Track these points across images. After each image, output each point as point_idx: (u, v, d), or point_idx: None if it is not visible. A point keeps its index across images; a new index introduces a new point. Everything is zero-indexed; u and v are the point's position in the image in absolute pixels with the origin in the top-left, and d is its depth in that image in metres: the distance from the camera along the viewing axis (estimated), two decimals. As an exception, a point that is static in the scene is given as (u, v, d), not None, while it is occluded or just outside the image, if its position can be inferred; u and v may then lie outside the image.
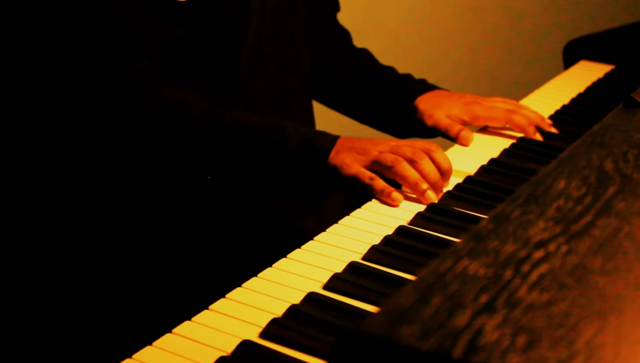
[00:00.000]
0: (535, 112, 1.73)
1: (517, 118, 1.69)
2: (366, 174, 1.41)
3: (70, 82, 1.43)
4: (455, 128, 1.67)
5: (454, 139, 1.67)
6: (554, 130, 1.73)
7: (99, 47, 1.40)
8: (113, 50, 1.40)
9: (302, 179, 1.44)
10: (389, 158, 1.41)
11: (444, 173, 1.43)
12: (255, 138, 1.42)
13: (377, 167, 1.42)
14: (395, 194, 1.39)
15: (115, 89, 1.40)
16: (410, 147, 1.43)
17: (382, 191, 1.40)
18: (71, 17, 1.39)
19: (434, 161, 1.42)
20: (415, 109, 1.71)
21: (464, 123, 1.70)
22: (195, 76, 1.47)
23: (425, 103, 1.72)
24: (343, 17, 1.91)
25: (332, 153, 1.42)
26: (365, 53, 1.86)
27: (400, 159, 1.41)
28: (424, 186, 1.40)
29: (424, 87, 1.77)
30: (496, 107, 1.71)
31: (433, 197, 1.41)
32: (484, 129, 1.74)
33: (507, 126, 1.71)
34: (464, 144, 1.65)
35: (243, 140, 1.42)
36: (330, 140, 1.44)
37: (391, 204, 1.39)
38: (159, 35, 1.42)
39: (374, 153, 1.42)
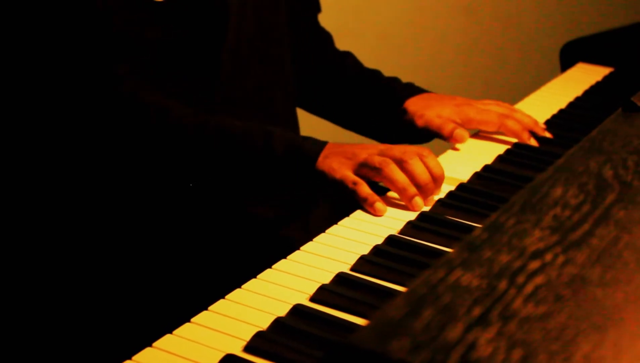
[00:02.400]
0: (529, 117, 1.73)
1: (511, 123, 1.69)
2: (350, 179, 1.40)
3: (49, 87, 1.43)
4: (448, 126, 1.66)
5: (447, 139, 1.66)
6: (548, 135, 1.74)
7: (77, 51, 1.39)
8: (91, 54, 1.40)
9: (289, 185, 1.44)
10: (376, 160, 1.41)
11: (436, 179, 1.43)
12: (240, 143, 1.42)
13: (365, 170, 1.41)
14: (379, 205, 1.39)
15: (94, 95, 1.40)
16: (400, 147, 1.43)
17: (365, 199, 1.39)
18: (49, 21, 1.39)
19: (426, 167, 1.42)
20: (404, 112, 1.71)
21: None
22: (175, 79, 1.47)
23: (415, 105, 1.71)
24: (331, 17, 1.91)
25: (320, 158, 1.42)
26: (349, 56, 1.86)
27: (389, 161, 1.40)
28: (412, 191, 1.40)
29: (413, 90, 1.77)
30: (489, 110, 1.71)
31: (421, 204, 1.41)
32: (477, 134, 1.74)
33: (501, 131, 1.71)
34: (459, 141, 1.65)
35: (227, 146, 1.42)
36: (318, 145, 1.44)
37: (374, 214, 1.39)
38: (137, 38, 1.41)
39: (362, 155, 1.42)
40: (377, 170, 1.40)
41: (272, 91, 1.62)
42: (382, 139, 1.79)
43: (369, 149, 1.44)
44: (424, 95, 1.75)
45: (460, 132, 1.65)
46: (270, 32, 1.62)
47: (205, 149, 1.41)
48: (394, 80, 1.80)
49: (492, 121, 1.70)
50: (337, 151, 1.43)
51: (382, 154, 1.42)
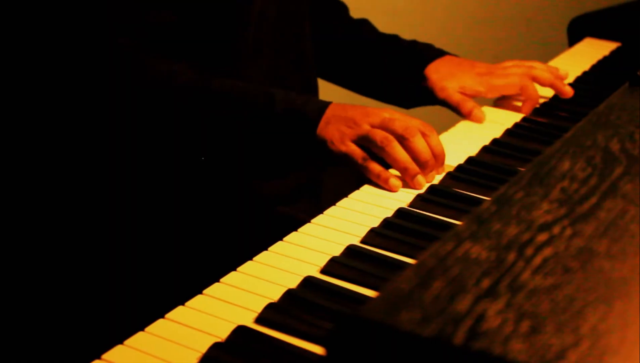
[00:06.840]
0: (548, 71, 1.75)
1: (530, 87, 1.72)
2: (359, 155, 1.38)
3: (49, 61, 1.41)
4: (467, 106, 1.67)
5: (464, 116, 1.67)
6: (568, 89, 1.76)
7: (78, 21, 1.37)
8: (92, 26, 1.37)
9: (290, 150, 1.41)
10: (378, 136, 1.37)
11: (437, 157, 1.41)
12: (242, 103, 1.39)
13: (366, 143, 1.38)
14: (393, 181, 1.38)
15: (94, 63, 1.38)
16: (402, 122, 1.39)
17: (378, 176, 1.38)
18: None
19: (427, 145, 1.40)
20: (424, 78, 1.70)
21: (479, 94, 1.70)
22: (196, 60, 1.45)
23: (436, 73, 1.70)
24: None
25: (322, 124, 1.39)
26: (365, 23, 1.84)
27: (391, 138, 1.37)
28: (414, 169, 1.38)
29: (433, 53, 1.75)
30: (510, 74, 1.72)
31: (423, 182, 1.39)
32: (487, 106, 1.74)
33: (520, 93, 1.74)
34: (477, 121, 1.67)
35: (229, 106, 1.39)
36: (318, 108, 1.40)
37: (389, 190, 1.38)
38: (149, 18, 1.39)
39: (364, 127, 1.38)
40: (379, 147, 1.38)
41: (291, 73, 1.61)
42: (401, 104, 1.78)
43: (371, 117, 1.39)
44: (445, 59, 1.74)
45: (478, 113, 1.66)
46: (292, 16, 1.60)
47: (207, 109, 1.39)
48: (413, 43, 1.78)
49: (514, 83, 1.72)
50: (338, 116, 1.39)
51: (383, 127, 1.39)
